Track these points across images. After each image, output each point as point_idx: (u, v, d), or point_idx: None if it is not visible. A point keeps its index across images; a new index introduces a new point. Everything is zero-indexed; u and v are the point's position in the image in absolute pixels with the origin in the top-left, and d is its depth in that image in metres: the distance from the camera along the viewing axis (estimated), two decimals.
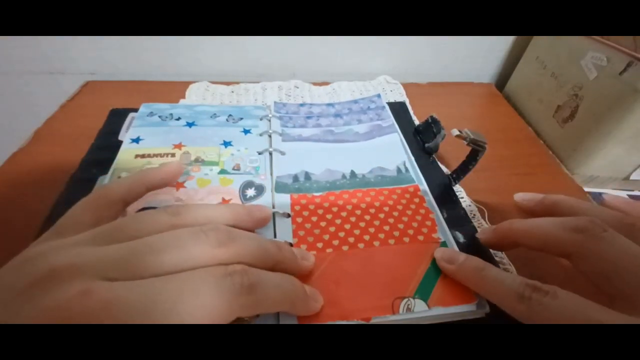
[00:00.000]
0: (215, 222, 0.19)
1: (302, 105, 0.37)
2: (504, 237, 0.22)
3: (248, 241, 0.18)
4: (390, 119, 0.35)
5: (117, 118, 0.34)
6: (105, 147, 0.31)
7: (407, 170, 0.30)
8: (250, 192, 0.27)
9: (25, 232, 0.25)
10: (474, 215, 0.29)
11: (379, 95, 0.38)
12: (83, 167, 0.30)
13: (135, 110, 0.34)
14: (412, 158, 0.31)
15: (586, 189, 0.34)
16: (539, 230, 0.20)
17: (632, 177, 0.36)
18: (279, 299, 0.17)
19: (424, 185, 0.28)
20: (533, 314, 0.16)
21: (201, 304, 0.14)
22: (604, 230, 0.18)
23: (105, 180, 0.27)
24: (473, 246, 0.25)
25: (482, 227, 0.28)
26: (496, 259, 0.25)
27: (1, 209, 0.28)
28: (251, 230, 0.22)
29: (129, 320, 0.13)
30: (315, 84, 0.44)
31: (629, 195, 0.36)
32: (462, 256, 0.21)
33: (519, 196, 0.25)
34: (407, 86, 0.44)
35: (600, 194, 0.36)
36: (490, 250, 0.25)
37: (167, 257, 0.15)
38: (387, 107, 0.37)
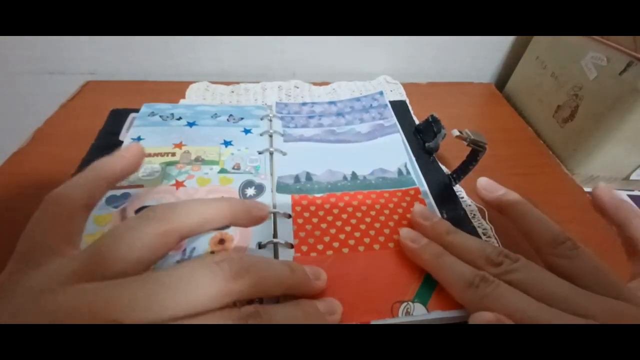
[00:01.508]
0: (211, 223, 0.18)
1: (303, 104, 0.37)
2: (436, 240, 0.22)
3: (262, 270, 0.17)
4: (393, 119, 0.35)
5: (117, 118, 0.34)
6: (106, 147, 0.31)
7: (408, 172, 0.30)
8: (250, 191, 0.27)
9: None
10: (474, 215, 0.29)
11: (381, 93, 0.38)
12: (83, 167, 0.30)
13: (136, 110, 0.34)
14: (414, 159, 0.31)
15: (586, 189, 0.34)
16: (465, 253, 0.21)
17: (632, 177, 0.36)
18: (275, 280, 0.18)
19: (424, 188, 0.28)
20: (476, 301, 0.18)
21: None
22: (517, 262, 0.19)
23: None
24: None
25: (483, 225, 0.28)
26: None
27: (1, 208, 0.28)
28: (246, 227, 0.22)
29: None
30: (315, 84, 0.44)
31: (629, 196, 0.36)
32: (425, 239, 0.22)
33: (482, 183, 0.25)
34: (407, 86, 0.44)
35: None
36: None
37: (182, 297, 0.14)
38: (389, 106, 0.37)
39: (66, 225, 0.17)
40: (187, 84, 0.42)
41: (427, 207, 0.27)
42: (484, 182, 0.25)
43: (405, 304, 0.21)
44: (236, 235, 0.23)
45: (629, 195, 0.36)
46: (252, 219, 0.20)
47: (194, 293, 0.14)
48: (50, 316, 0.13)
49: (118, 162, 0.21)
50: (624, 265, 0.27)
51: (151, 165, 0.28)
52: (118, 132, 0.33)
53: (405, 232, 0.23)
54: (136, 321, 0.13)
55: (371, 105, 0.37)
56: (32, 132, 0.35)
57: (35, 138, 0.35)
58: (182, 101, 0.39)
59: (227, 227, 0.23)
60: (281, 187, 0.27)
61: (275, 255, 0.23)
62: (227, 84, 0.43)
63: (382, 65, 0.49)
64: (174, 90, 0.41)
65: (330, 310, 0.19)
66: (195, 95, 0.41)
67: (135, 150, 0.22)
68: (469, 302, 0.19)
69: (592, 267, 0.19)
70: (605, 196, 0.23)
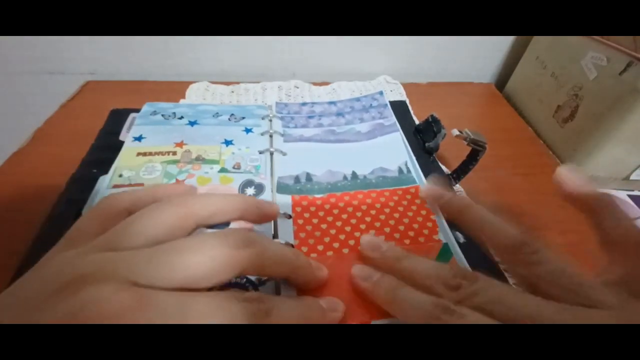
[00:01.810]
0: (224, 214, 0.20)
1: (303, 104, 0.37)
2: (389, 270, 0.21)
3: (268, 244, 0.18)
4: (393, 118, 0.35)
5: (117, 118, 0.34)
6: (106, 147, 0.31)
7: (408, 170, 0.30)
8: (250, 190, 0.27)
9: (25, 232, 0.25)
10: None
11: (381, 93, 0.38)
12: (83, 167, 0.30)
13: (136, 110, 0.34)
14: (414, 158, 0.31)
15: None
16: (420, 278, 0.19)
17: (632, 177, 0.36)
18: (294, 321, 0.17)
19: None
20: None
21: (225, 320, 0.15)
22: (476, 282, 0.17)
23: (106, 179, 0.27)
24: (473, 246, 0.25)
25: None
26: (496, 259, 0.25)
27: (1, 208, 0.28)
28: (256, 223, 0.23)
29: (157, 320, 0.13)
30: (315, 84, 0.44)
31: (629, 196, 0.36)
32: (378, 274, 0.20)
33: (424, 190, 0.24)
34: (407, 86, 0.44)
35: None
36: (490, 250, 0.25)
37: (192, 260, 0.15)
38: (389, 106, 0.37)
39: (108, 221, 0.19)
40: (187, 83, 0.42)
41: (428, 204, 0.27)
42: (426, 189, 0.23)
43: None
44: None
45: (629, 195, 0.36)
46: (262, 215, 0.22)
47: (203, 258, 0.15)
48: (73, 276, 0.14)
49: (169, 190, 0.22)
50: None
51: (152, 164, 0.28)
52: (118, 132, 0.33)
53: (357, 270, 0.21)
54: (151, 282, 0.14)
55: (371, 105, 0.37)
56: (32, 132, 0.35)
57: (35, 138, 0.35)
58: (182, 101, 0.39)
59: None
60: (281, 188, 0.27)
61: None
62: (227, 84, 0.43)
63: (382, 65, 0.49)
64: (174, 90, 0.41)
65: (331, 308, 0.19)
66: (195, 95, 0.41)
67: (188, 188, 0.23)
68: None
69: (554, 272, 0.17)
70: (572, 183, 0.20)
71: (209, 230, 0.20)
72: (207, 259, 0.16)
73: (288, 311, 0.17)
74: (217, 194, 0.21)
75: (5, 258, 0.24)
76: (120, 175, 0.27)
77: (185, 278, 0.15)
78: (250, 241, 0.17)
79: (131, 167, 0.27)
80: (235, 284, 0.21)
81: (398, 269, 0.20)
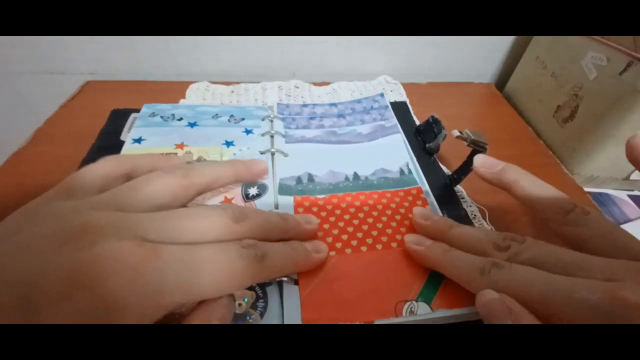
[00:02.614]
0: (220, 181, 0.23)
1: (305, 105, 0.37)
2: (440, 237, 0.23)
3: (258, 217, 0.20)
4: (394, 119, 0.35)
5: (118, 118, 0.34)
6: (107, 147, 0.31)
7: (410, 172, 0.30)
8: (253, 191, 0.27)
9: None
10: (475, 216, 0.29)
11: (382, 94, 0.38)
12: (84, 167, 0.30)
13: (137, 110, 0.34)
14: (415, 159, 0.31)
15: (586, 189, 0.34)
16: (471, 242, 0.21)
17: (632, 177, 0.36)
18: (285, 263, 0.20)
19: (426, 187, 0.28)
20: (491, 287, 0.18)
21: (225, 268, 0.16)
22: (507, 268, 0.18)
23: None
24: None
25: (484, 226, 0.28)
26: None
27: (1, 209, 0.28)
28: (249, 181, 0.26)
29: (168, 274, 0.14)
30: (315, 84, 0.44)
31: (629, 196, 0.36)
32: (429, 241, 0.22)
33: (479, 159, 0.24)
34: (407, 86, 0.44)
35: (600, 194, 0.36)
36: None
37: (195, 224, 0.17)
38: (390, 107, 0.37)
39: (112, 181, 0.20)
40: (187, 84, 0.42)
41: (430, 207, 0.27)
42: (481, 160, 0.24)
43: (409, 303, 0.21)
44: None
45: (629, 195, 0.36)
46: (254, 174, 0.26)
47: (206, 224, 0.18)
48: (86, 227, 0.15)
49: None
50: None
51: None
52: (119, 132, 0.33)
53: (409, 237, 0.23)
54: (159, 239, 0.16)
55: (372, 106, 0.37)
56: (32, 132, 0.35)
57: (35, 138, 0.35)
58: (182, 101, 0.39)
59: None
60: (283, 189, 0.27)
61: None
62: (227, 84, 0.43)
63: (382, 65, 0.49)
64: (174, 90, 0.41)
65: (315, 249, 0.22)
66: (195, 95, 0.41)
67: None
68: (482, 285, 0.18)
69: (604, 231, 0.18)
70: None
71: (209, 202, 0.24)
72: (210, 228, 0.18)
73: (279, 254, 0.19)
74: (211, 163, 0.26)
75: None
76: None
77: (191, 238, 0.17)
78: (246, 214, 0.19)
79: None
80: None
81: (450, 235, 0.22)
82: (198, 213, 0.18)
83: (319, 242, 0.22)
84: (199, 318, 0.16)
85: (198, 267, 0.15)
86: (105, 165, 0.21)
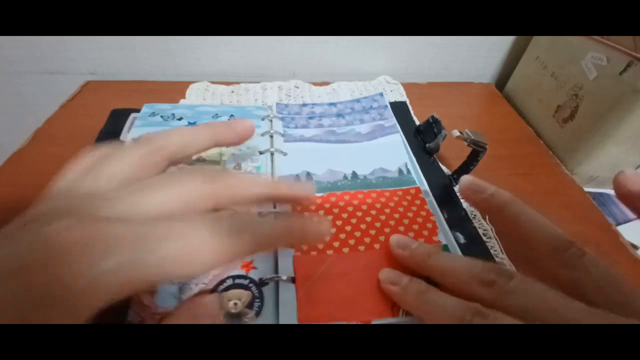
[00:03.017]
0: (193, 144, 0.20)
1: (304, 105, 0.37)
2: (418, 268, 0.21)
3: (238, 179, 0.18)
4: (393, 119, 0.35)
5: (118, 118, 0.34)
6: None
7: (408, 171, 0.30)
8: None
9: None
10: (475, 216, 0.29)
11: (381, 94, 0.38)
12: None
13: (137, 110, 0.34)
14: (414, 159, 0.31)
15: (586, 189, 0.34)
16: (451, 276, 0.19)
17: None
18: (274, 235, 0.17)
19: (425, 187, 0.28)
20: None
21: (188, 245, 0.14)
22: (511, 279, 0.17)
23: None
24: (474, 247, 0.25)
25: (484, 226, 0.28)
26: (497, 260, 0.25)
27: (1, 208, 0.28)
28: (237, 143, 0.22)
29: (116, 252, 0.13)
30: (315, 84, 0.44)
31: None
32: (406, 278, 0.20)
33: (466, 181, 0.22)
34: (406, 86, 0.44)
35: (600, 194, 0.36)
36: (491, 251, 0.25)
37: (159, 193, 0.15)
38: (389, 107, 0.37)
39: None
40: (187, 84, 0.42)
41: (429, 206, 0.27)
42: (468, 181, 0.22)
43: None
44: None
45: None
46: (237, 134, 0.22)
47: (169, 191, 0.15)
48: (38, 216, 0.14)
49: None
50: (624, 265, 0.27)
51: None
52: (119, 133, 0.33)
53: (384, 274, 0.21)
54: (116, 215, 0.14)
55: (371, 106, 0.37)
56: (32, 132, 0.35)
57: (35, 138, 0.35)
58: (182, 101, 0.39)
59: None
60: None
61: (275, 255, 0.23)
62: (227, 84, 0.43)
63: (382, 65, 0.49)
64: (174, 90, 0.41)
65: (317, 221, 0.18)
66: (195, 95, 0.41)
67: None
68: None
69: (601, 278, 0.17)
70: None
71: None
72: (179, 192, 0.15)
73: (265, 227, 0.16)
74: (188, 127, 0.21)
75: None
76: None
77: (156, 213, 0.15)
78: (219, 174, 0.17)
79: None
80: (239, 285, 0.21)
81: (428, 265, 0.20)
82: (165, 181, 0.16)
83: (323, 216, 0.20)
84: (182, 317, 0.15)
85: (152, 245, 0.13)
86: (83, 156, 0.18)
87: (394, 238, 0.23)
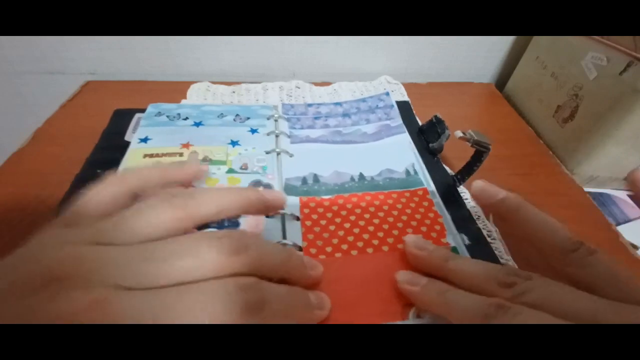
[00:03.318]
0: (225, 212, 0.20)
1: (310, 105, 0.37)
2: (435, 270, 0.21)
3: (261, 249, 0.17)
4: (399, 119, 0.35)
5: (121, 118, 0.34)
6: (111, 147, 0.31)
7: (415, 172, 0.30)
8: None
9: (25, 232, 0.25)
10: (479, 216, 0.29)
11: (387, 93, 0.38)
12: (88, 167, 0.30)
13: (140, 110, 0.34)
14: (421, 160, 0.31)
15: (586, 189, 0.34)
16: (470, 278, 0.19)
17: None
18: (283, 314, 0.17)
19: (432, 188, 0.28)
20: None
21: (211, 319, 0.14)
22: (513, 312, 0.16)
23: None
24: (478, 248, 0.24)
25: (488, 227, 0.28)
26: (502, 261, 0.25)
27: (1, 208, 0.28)
28: (263, 214, 0.23)
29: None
30: (315, 84, 0.44)
31: (629, 196, 0.36)
32: (424, 279, 0.20)
33: (477, 187, 0.23)
34: (406, 86, 0.44)
35: (600, 194, 0.36)
36: (495, 252, 0.25)
37: (180, 264, 0.15)
38: (396, 106, 0.37)
39: (110, 207, 0.18)
40: (187, 84, 0.42)
41: (436, 207, 0.27)
42: (480, 186, 0.23)
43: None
44: None
45: (629, 196, 0.36)
46: (268, 207, 0.22)
47: (194, 263, 0.15)
48: (55, 275, 0.14)
49: (181, 173, 0.23)
50: (624, 265, 0.27)
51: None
52: (122, 133, 0.33)
53: (401, 276, 0.21)
54: (134, 284, 0.14)
55: (377, 105, 0.37)
56: (32, 132, 0.35)
57: (35, 138, 0.35)
58: (183, 101, 0.39)
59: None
60: (288, 189, 0.27)
61: None
62: (228, 84, 0.43)
63: (381, 65, 0.49)
64: (174, 90, 0.41)
65: (319, 304, 0.19)
66: (196, 95, 0.41)
67: (197, 168, 0.24)
68: None
69: (610, 275, 0.17)
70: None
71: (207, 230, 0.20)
72: (199, 263, 0.15)
73: (280, 302, 0.17)
74: (219, 190, 0.21)
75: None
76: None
77: (170, 281, 0.15)
78: (245, 246, 0.16)
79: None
80: None
81: (446, 268, 0.20)
82: (186, 250, 0.16)
83: (324, 295, 0.20)
84: None
85: (176, 321, 0.14)
86: (109, 188, 0.19)
87: (411, 238, 0.23)
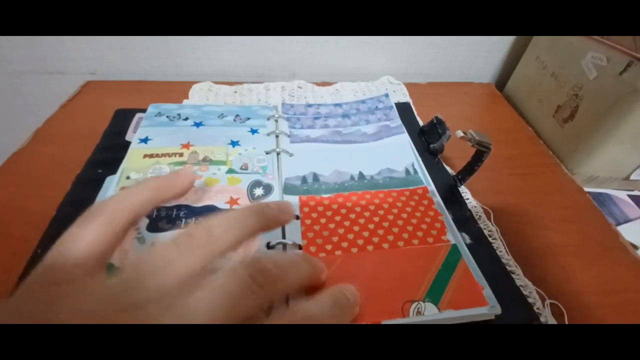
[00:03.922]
0: (243, 240, 0.18)
1: (309, 105, 0.37)
2: None
3: (291, 275, 0.18)
4: (398, 120, 0.35)
5: (122, 118, 0.34)
6: (112, 147, 0.31)
7: (415, 171, 0.30)
8: (259, 191, 0.27)
9: (25, 232, 0.25)
10: (480, 216, 0.29)
11: (386, 95, 0.39)
12: (88, 167, 0.30)
13: (141, 110, 0.34)
14: (420, 159, 0.31)
15: (586, 189, 0.34)
16: None
17: (632, 177, 0.36)
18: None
19: (432, 187, 0.28)
20: None
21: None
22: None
23: (113, 180, 0.27)
24: (479, 247, 0.25)
25: (489, 227, 0.28)
26: (502, 260, 0.25)
27: (1, 208, 0.28)
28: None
29: None
30: (316, 84, 0.44)
31: (629, 196, 0.36)
32: None
33: None
34: (407, 86, 0.44)
35: (600, 194, 0.36)
36: (497, 251, 0.25)
37: (207, 309, 0.15)
38: (395, 108, 0.37)
39: (108, 246, 0.17)
40: (187, 84, 0.42)
41: (436, 206, 0.27)
42: None
43: (416, 303, 0.21)
44: None
45: (629, 195, 0.36)
46: (280, 223, 0.22)
47: (220, 302, 0.15)
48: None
49: (174, 188, 0.21)
50: (624, 265, 0.27)
51: (160, 166, 0.28)
52: (123, 133, 0.33)
53: None
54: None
55: (377, 107, 0.37)
56: (32, 132, 0.35)
57: (35, 138, 0.35)
58: (185, 101, 0.39)
59: None
60: (288, 189, 0.28)
61: None
62: (230, 84, 0.43)
63: (382, 65, 0.49)
64: (174, 90, 0.41)
65: (356, 301, 0.19)
66: (198, 95, 0.41)
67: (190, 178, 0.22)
68: None
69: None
70: None
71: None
72: (224, 301, 0.15)
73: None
74: (235, 219, 0.19)
75: (5, 258, 0.24)
76: (128, 178, 0.27)
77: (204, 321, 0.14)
78: (270, 281, 0.17)
79: (138, 169, 0.27)
80: None
81: None
82: (222, 301, 0.15)
83: (354, 288, 0.20)
84: None
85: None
86: (92, 235, 0.17)
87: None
